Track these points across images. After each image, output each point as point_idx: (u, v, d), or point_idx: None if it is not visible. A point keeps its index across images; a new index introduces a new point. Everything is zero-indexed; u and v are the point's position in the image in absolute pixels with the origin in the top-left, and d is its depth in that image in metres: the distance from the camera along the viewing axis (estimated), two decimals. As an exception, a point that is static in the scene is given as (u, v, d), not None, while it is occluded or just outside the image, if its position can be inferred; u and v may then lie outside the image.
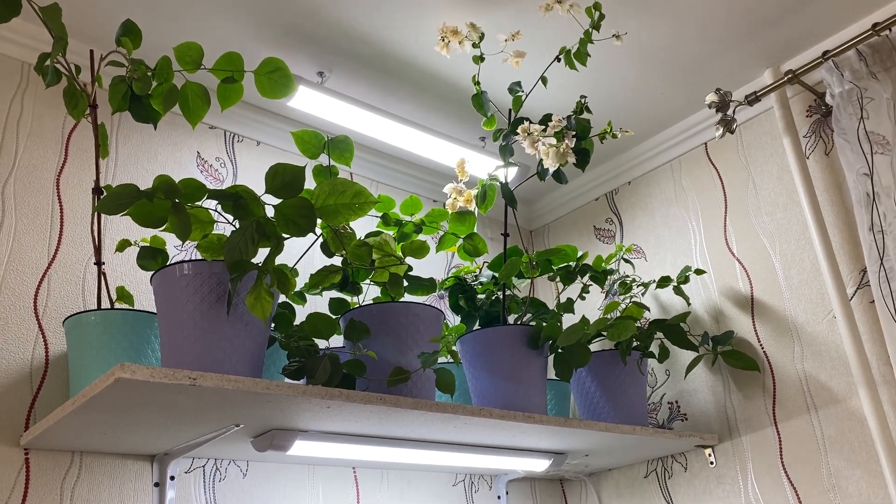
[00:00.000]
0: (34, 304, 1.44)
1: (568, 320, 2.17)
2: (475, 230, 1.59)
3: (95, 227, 1.44)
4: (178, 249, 1.67)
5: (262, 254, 1.17)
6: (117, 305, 1.42)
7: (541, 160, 1.54)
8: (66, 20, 1.56)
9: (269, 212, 1.17)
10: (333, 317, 1.38)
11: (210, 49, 1.66)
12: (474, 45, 1.54)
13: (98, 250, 1.35)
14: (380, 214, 1.57)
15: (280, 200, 1.14)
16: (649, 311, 1.95)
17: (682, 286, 1.92)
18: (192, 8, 1.58)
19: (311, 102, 1.73)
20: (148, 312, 1.31)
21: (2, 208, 1.47)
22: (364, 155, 2.08)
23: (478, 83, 1.58)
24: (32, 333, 1.42)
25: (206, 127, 1.86)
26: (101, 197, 1.35)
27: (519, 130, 1.51)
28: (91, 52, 1.41)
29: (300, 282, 1.75)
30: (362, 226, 1.92)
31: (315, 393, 1.19)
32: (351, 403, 1.23)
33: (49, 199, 1.54)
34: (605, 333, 1.59)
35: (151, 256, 1.32)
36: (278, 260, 1.60)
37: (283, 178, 1.11)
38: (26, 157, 1.54)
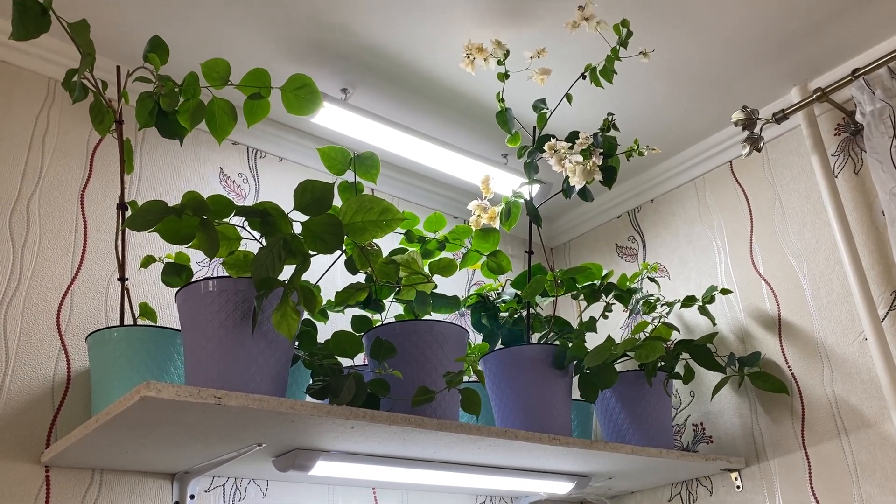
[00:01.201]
0: (57, 320, 1.44)
1: (589, 339, 2.15)
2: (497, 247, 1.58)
3: (120, 243, 1.44)
4: (200, 266, 1.67)
5: (286, 272, 1.16)
6: (140, 322, 1.41)
7: (567, 177, 1.52)
8: (93, 36, 1.56)
9: (295, 228, 1.16)
10: (357, 335, 1.36)
11: (234, 66, 1.66)
12: (499, 62, 1.53)
13: (122, 266, 1.34)
14: (403, 231, 1.56)
15: (307, 217, 1.13)
16: (679, 331, 1.92)
17: (707, 306, 1.89)
18: (217, 25, 1.59)
19: (335, 119, 1.72)
20: (171, 329, 1.30)
21: (26, 223, 1.47)
22: (386, 171, 2.07)
23: (502, 100, 1.57)
24: (55, 349, 1.42)
25: (230, 143, 1.85)
26: (128, 213, 1.34)
27: (546, 147, 1.50)
28: (118, 68, 1.42)
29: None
30: (383, 243, 1.91)
31: (339, 413, 1.17)
32: (375, 424, 1.21)
33: (73, 214, 1.54)
34: (630, 354, 1.56)
35: (176, 273, 1.31)
36: (301, 277, 1.58)
37: (312, 195, 1.09)
38: (51, 172, 1.54)
